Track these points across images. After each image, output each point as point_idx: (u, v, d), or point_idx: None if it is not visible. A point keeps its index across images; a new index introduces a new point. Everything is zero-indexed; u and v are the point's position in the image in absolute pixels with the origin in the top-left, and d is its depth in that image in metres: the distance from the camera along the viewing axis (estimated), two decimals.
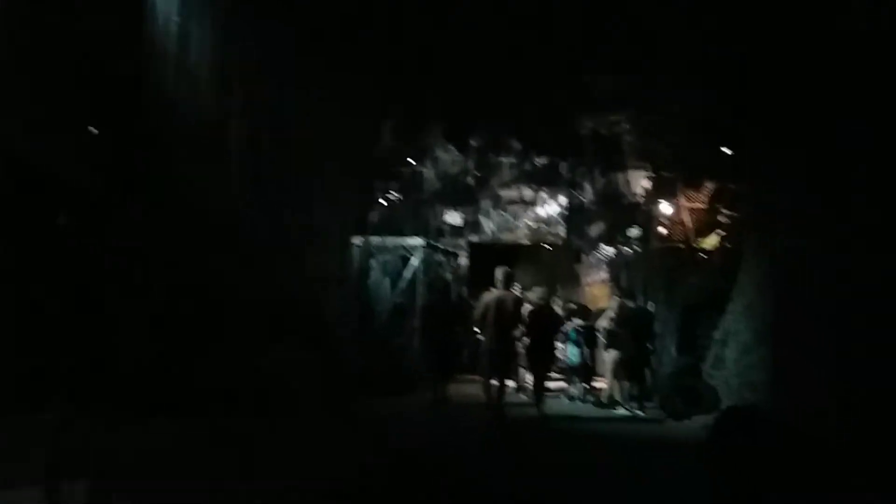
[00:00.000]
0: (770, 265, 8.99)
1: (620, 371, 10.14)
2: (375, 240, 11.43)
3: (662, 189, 14.23)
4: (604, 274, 13.55)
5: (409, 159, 14.89)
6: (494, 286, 8.77)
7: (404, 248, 11.33)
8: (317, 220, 11.53)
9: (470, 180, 14.89)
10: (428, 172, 14.86)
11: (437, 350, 9.90)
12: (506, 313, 8.56)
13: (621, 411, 9.82)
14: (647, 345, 10.07)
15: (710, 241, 13.01)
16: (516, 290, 9.95)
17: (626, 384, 9.86)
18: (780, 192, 10.60)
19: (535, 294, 10.02)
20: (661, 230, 14.04)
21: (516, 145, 14.70)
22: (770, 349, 8.62)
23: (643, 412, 9.80)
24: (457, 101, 14.46)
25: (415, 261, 11.27)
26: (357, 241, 11.50)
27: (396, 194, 15.16)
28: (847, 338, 7.04)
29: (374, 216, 14.78)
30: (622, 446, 8.05)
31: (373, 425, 8.33)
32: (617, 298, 10.42)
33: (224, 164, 9.96)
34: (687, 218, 14.08)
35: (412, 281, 11.28)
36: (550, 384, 10.71)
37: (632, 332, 9.85)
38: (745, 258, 9.70)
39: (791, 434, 5.65)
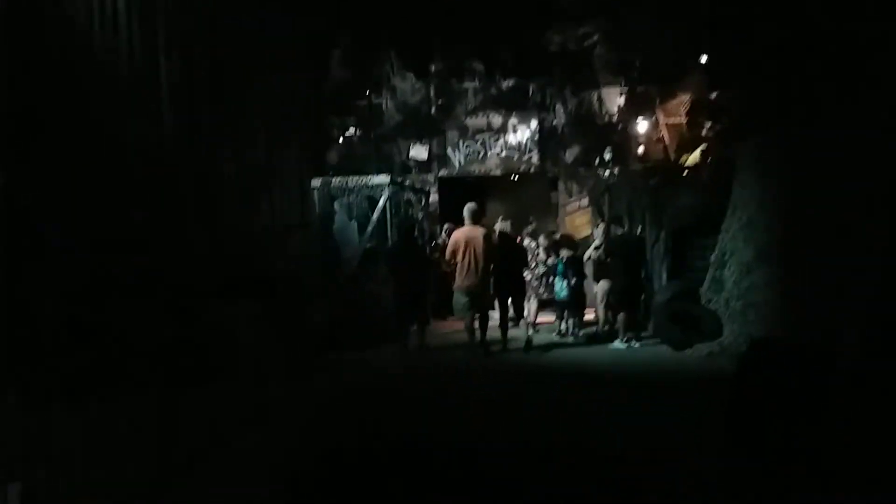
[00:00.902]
0: (768, 175, 8.27)
1: (612, 302, 9.47)
2: (337, 180, 10.40)
3: (638, 105, 13.43)
4: (584, 201, 12.76)
5: (364, 91, 13.75)
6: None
7: (369, 187, 10.33)
8: (268, 163, 10.46)
9: (433, 110, 13.79)
10: (387, 104, 13.72)
11: (405, 295, 9.09)
12: (476, 249, 8.45)
13: (617, 344, 9.17)
14: (640, 272, 9.37)
15: (694, 157, 12.30)
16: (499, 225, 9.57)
17: (621, 315, 9.18)
18: (769, 96, 9.88)
19: (500, 226, 9.51)
20: (640, 149, 13.32)
21: (480, 68, 13.59)
22: (774, 268, 7.99)
23: (639, 343, 9.19)
24: (411, 21, 13.27)
25: (382, 201, 10.29)
26: (317, 183, 10.45)
27: (355, 130, 14.07)
28: (861, 252, 6.40)
29: (332, 156, 13.70)
30: (622, 382, 7.41)
31: (333, 385, 7.55)
32: (602, 225, 9.64)
33: (155, 107, 8.86)
34: (666, 134, 13.35)
35: (381, 222, 10.34)
36: (540, 318, 10.17)
37: (622, 260, 9.11)
38: (739, 171, 8.96)
39: (825, 365, 5.01)
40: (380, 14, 13.29)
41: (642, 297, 9.43)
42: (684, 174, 10.47)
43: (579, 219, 13.08)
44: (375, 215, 10.32)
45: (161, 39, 9.13)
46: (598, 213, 11.81)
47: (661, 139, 13.43)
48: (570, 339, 9.91)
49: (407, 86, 13.68)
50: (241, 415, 6.08)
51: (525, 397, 6.83)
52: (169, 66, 9.15)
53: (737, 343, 8.13)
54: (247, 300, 8.22)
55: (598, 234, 9.57)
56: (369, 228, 10.34)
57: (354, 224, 10.45)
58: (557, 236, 10.93)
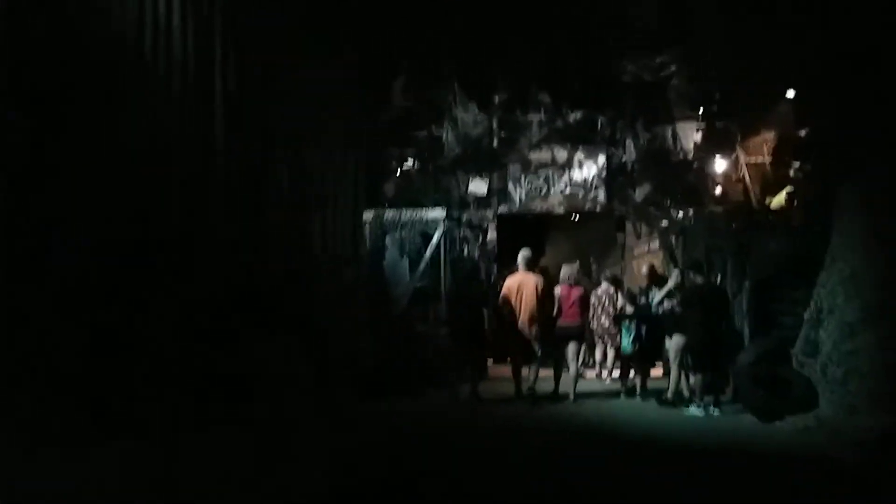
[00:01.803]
0: (876, 222, 7.16)
1: (688, 360, 8.41)
2: (390, 213, 9.75)
3: (717, 142, 12.40)
4: (654, 244, 11.75)
5: (424, 121, 13.15)
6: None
7: (424, 222, 9.64)
8: (320, 191, 9.91)
9: (495, 143, 13.06)
10: (447, 136, 13.06)
11: (463, 341, 8.41)
12: (526, 296, 8.25)
13: (692, 410, 8.09)
14: (721, 326, 8.31)
15: (779, 199, 11.17)
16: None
17: (698, 376, 8.11)
18: (872, 133, 8.76)
19: (565, 272, 8.86)
20: (718, 190, 12.25)
21: (546, 99, 12.80)
22: (883, 330, 6.85)
23: (718, 410, 8.08)
24: (475, 50, 12.65)
25: (436, 237, 9.58)
26: (368, 215, 9.82)
27: (413, 162, 13.46)
28: None
29: (388, 188, 13.08)
30: (703, 458, 6.36)
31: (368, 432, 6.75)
32: (678, 272, 8.64)
33: (207, 126, 8.46)
34: (747, 174, 12.25)
35: (434, 260, 9.61)
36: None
37: (701, 312, 8.08)
38: (839, 216, 7.85)
39: None
40: (444, 42, 12.77)
41: (723, 355, 8.33)
42: (770, 218, 9.36)
43: (648, 262, 12.03)
44: (429, 252, 9.62)
45: (217, 57, 8.80)
46: (669, 257, 10.77)
47: (741, 179, 12.34)
48: (637, 400, 8.86)
49: (469, 117, 12.99)
50: (239, 472, 5.32)
51: (596, 475, 5.82)
52: (224, 84, 8.78)
53: (836, 417, 6.99)
54: (286, 336, 7.58)
55: (674, 280, 8.56)
56: (421, 266, 9.63)
57: (406, 261, 9.76)
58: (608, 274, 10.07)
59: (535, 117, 12.88)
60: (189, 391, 6.35)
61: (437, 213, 9.72)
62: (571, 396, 8.51)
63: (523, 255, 8.53)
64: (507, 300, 8.41)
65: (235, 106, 8.91)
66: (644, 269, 10.68)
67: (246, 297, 7.65)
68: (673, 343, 8.42)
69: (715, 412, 8.05)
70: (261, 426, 6.34)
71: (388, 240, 9.72)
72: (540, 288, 8.35)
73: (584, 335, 8.72)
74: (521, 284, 8.38)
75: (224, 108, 8.71)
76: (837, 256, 7.70)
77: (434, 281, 9.63)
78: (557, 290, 8.65)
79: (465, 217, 11.61)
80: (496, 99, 12.93)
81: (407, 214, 9.61)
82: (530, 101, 12.92)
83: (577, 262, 9.30)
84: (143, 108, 7.31)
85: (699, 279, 8.38)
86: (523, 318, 8.29)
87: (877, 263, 7.02)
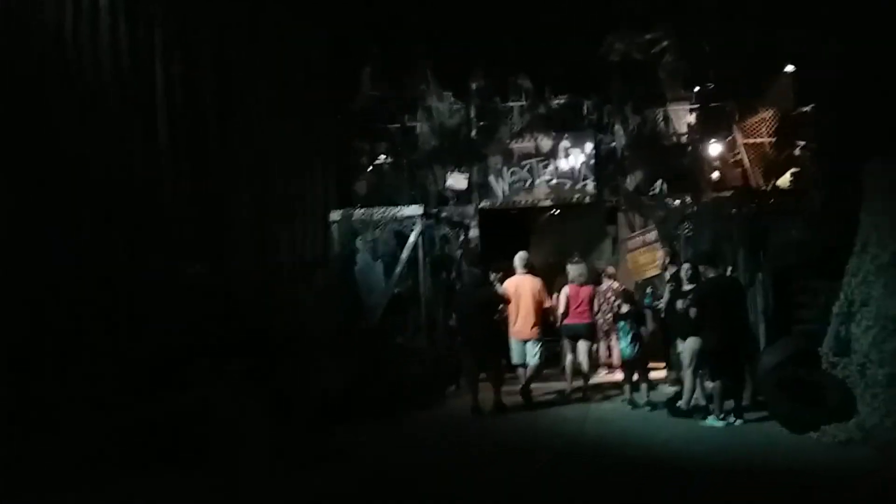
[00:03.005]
0: None
1: (705, 365, 7.34)
2: (361, 213, 8.58)
3: (713, 123, 11.40)
4: (650, 235, 10.70)
5: (397, 113, 12.01)
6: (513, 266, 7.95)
7: (398, 221, 8.49)
8: (281, 192, 8.74)
9: (473, 133, 11.95)
10: (422, 127, 11.93)
11: (475, 347, 7.78)
12: (523, 297, 7.81)
13: (711, 421, 7.02)
14: (741, 326, 7.25)
15: (783, 181, 10.19)
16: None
17: (716, 383, 7.04)
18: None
19: (573, 272, 8.43)
20: (715, 174, 11.26)
21: (526, 84, 11.72)
22: None
23: (741, 420, 7.02)
24: (448, 33, 11.55)
25: (413, 237, 8.44)
26: (336, 215, 8.64)
27: (386, 157, 12.31)
28: None
29: (360, 186, 11.92)
30: (733, 484, 5.29)
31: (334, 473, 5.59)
32: (688, 266, 7.56)
33: (148, 124, 7.33)
34: (745, 157, 11.26)
35: (412, 262, 8.47)
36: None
37: (718, 311, 7.00)
38: (871, 196, 6.82)
39: None
40: (415, 27, 11.64)
41: (744, 358, 7.28)
42: (781, 202, 8.34)
43: (644, 256, 10.95)
44: (405, 254, 8.47)
45: (156, 48, 7.63)
46: (671, 250, 9.71)
47: (739, 162, 11.36)
48: (646, 410, 7.79)
49: (444, 106, 11.89)
50: None
51: None
52: (165, 77, 7.60)
53: (884, 427, 5.94)
54: (238, 360, 6.39)
55: (685, 275, 7.48)
56: (398, 270, 8.47)
57: (380, 264, 8.60)
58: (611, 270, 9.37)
59: (515, 104, 11.82)
60: (120, 436, 5.16)
61: (413, 210, 8.59)
62: (581, 392, 8.21)
63: (521, 256, 8.06)
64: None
65: (182, 99, 7.77)
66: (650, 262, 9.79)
67: (195, 322, 6.49)
68: (687, 346, 7.34)
69: (737, 423, 7.00)
70: (205, 471, 5.16)
71: (359, 242, 8.56)
72: (538, 290, 7.94)
73: (595, 334, 8.35)
74: (518, 287, 7.88)
75: (166, 104, 7.55)
76: (870, 242, 6.67)
77: (413, 285, 8.49)
78: (566, 290, 8.28)
79: (444, 214, 10.47)
80: (473, 86, 11.85)
81: (379, 213, 8.46)
82: (510, 86, 11.85)
83: (584, 262, 8.84)
84: (82, 120, 6.21)
85: (711, 273, 7.31)
86: (522, 321, 7.84)
87: None
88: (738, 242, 7.96)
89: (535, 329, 7.92)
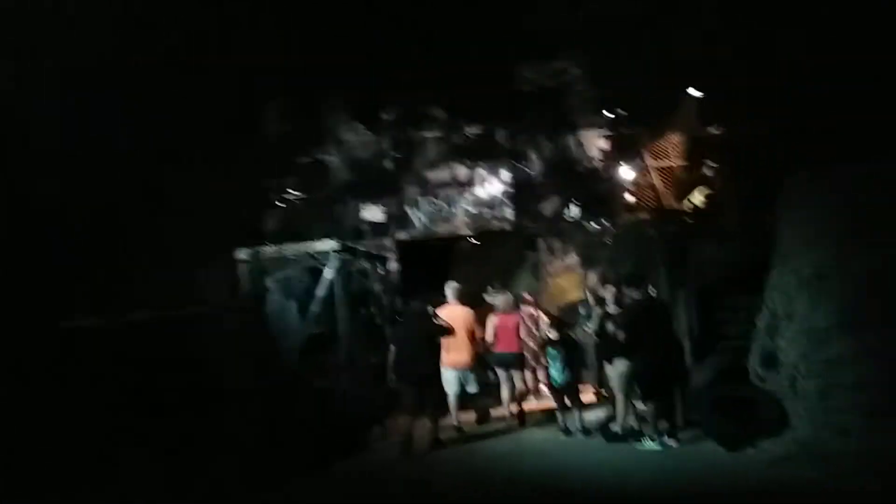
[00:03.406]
0: (842, 215, 6.20)
1: (635, 388, 7.13)
2: (270, 251, 7.98)
3: (624, 148, 11.52)
4: (571, 259, 10.59)
5: (306, 146, 11.49)
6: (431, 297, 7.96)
7: (311, 256, 7.93)
8: (182, 231, 8.03)
9: (388, 164, 11.59)
10: (333, 160, 11.47)
11: (412, 382, 7.36)
12: (460, 332, 7.72)
13: (648, 444, 6.78)
14: (670, 346, 7.10)
15: (695, 201, 10.34)
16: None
17: (648, 405, 6.82)
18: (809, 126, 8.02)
19: (500, 301, 8.47)
20: (629, 197, 11.34)
21: (440, 114, 11.52)
22: (868, 336, 5.81)
23: (676, 442, 6.82)
24: (358, 64, 11.21)
25: (329, 272, 7.90)
26: (244, 254, 8.00)
27: (296, 192, 11.73)
28: None
29: (270, 222, 11.30)
30: None
31: None
32: (611, 288, 7.38)
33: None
34: (657, 179, 11.42)
35: (328, 300, 7.91)
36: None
37: (646, 332, 6.82)
38: (789, 212, 6.86)
39: None
40: (322, 57, 11.24)
41: (674, 378, 7.12)
42: (695, 222, 8.36)
43: (565, 281, 10.85)
44: (321, 291, 7.89)
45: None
46: (591, 273, 9.60)
47: (650, 185, 11.50)
48: (580, 437, 7.49)
49: (356, 138, 11.50)
50: None
51: None
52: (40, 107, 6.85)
53: (821, 439, 5.85)
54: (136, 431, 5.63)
55: (608, 298, 7.29)
56: (313, 308, 7.88)
57: (294, 304, 7.98)
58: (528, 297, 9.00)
59: (429, 134, 11.56)
60: None
61: (327, 244, 8.06)
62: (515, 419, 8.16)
63: (452, 286, 8.00)
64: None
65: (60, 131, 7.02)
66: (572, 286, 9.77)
67: (82, 384, 5.71)
68: (615, 369, 7.11)
69: (673, 444, 6.79)
70: None
71: (270, 282, 7.94)
72: (470, 320, 7.88)
73: (523, 362, 8.17)
74: (451, 317, 7.77)
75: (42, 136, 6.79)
76: (791, 254, 6.69)
77: (330, 323, 7.92)
78: (493, 320, 8.20)
79: (360, 247, 9.98)
80: (385, 117, 11.53)
81: (291, 250, 7.88)
82: (423, 117, 11.60)
83: (507, 292, 8.87)
84: None
85: (636, 295, 7.15)
86: (456, 351, 7.75)
87: (849, 263, 5.99)
88: (658, 263, 7.85)
89: (470, 358, 7.88)
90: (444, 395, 7.78)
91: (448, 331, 7.54)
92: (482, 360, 8.36)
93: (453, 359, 7.76)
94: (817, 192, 6.60)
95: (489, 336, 8.12)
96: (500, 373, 8.34)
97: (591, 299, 9.58)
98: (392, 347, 7.47)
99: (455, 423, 7.94)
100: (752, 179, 7.97)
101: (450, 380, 7.77)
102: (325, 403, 7.76)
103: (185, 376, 6.89)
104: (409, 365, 7.27)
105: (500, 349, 8.16)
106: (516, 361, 8.19)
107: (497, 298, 8.55)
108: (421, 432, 7.35)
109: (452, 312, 7.83)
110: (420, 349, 7.26)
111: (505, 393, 8.33)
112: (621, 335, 6.95)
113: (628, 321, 6.92)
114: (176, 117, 9.02)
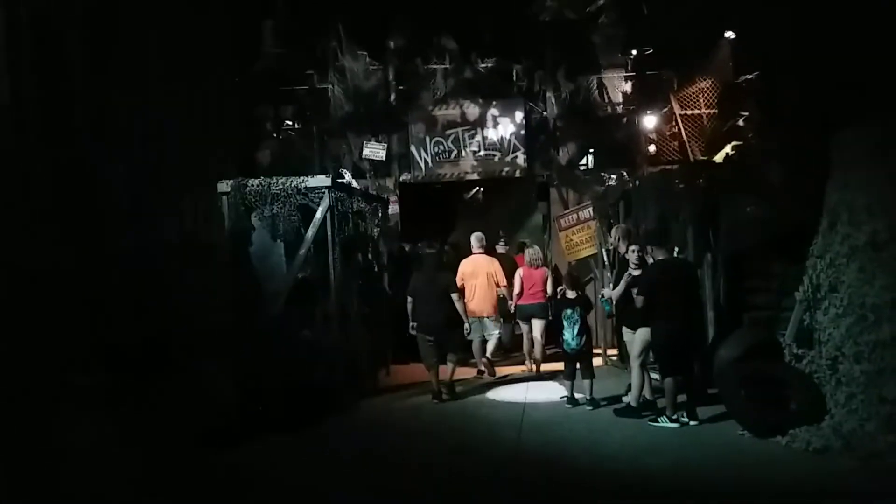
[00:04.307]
0: None
1: (655, 358, 6.36)
2: (256, 183, 7.09)
3: (650, 93, 10.50)
4: (584, 212, 9.70)
5: (305, 73, 10.47)
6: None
7: (302, 193, 7.06)
8: (161, 160, 7.11)
9: (392, 99, 10.59)
10: (334, 90, 10.46)
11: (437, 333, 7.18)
12: (482, 283, 8.00)
13: (664, 423, 6.06)
14: (697, 313, 6.29)
15: (721, 156, 9.38)
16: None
17: (668, 379, 6.05)
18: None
19: (528, 255, 8.38)
20: (652, 148, 10.39)
21: (451, 45, 10.44)
22: None
23: (696, 421, 6.08)
24: None
25: (321, 212, 7.03)
26: (226, 186, 7.11)
27: (293, 123, 10.79)
28: None
29: (263, 155, 10.39)
30: None
31: None
32: (636, 248, 6.51)
33: None
34: (682, 129, 10.43)
35: (319, 243, 7.07)
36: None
37: (671, 297, 6.00)
38: (843, 171, 5.93)
39: None
40: None
41: (699, 350, 6.34)
42: (734, 176, 7.42)
43: (577, 235, 9.97)
44: (311, 232, 7.04)
45: None
46: (607, 229, 8.72)
47: (675, 135, 10.52)
48: (588, 408, 6.77)
49: (359, 67, 10.46)
50: None
51: None
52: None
53: (864, 433, 5.09)
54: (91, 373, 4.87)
55: (632, 257, 6.43)
56: (302, 251, 7.04)
57: (280, 245, 7.14)
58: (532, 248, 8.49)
59: (439, 67, 10.52)
60: None
61: (320, 181, 7.16)
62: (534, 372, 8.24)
63: (476, 236, 8.24)
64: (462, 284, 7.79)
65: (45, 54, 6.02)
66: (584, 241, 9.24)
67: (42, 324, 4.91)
68: (637, 337, 6.31)
69: (691, 423, 6.06)
70: None
71: (255, 219, 7.08)
72: (495, 270, 8.08)
73: (548, 313, 8.05)
74: (475, 266, 8.03)
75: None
76: (840, 221, 5.80)
77: (321, 269, 7.11)
78: (520, 272, 8.20)
79: (357, 186, 9.09)
80: (391, 44, 10.46)
81: (279, 184, 7.01)
82: (432, 47, 10.53)
83: (536, 246, 8.78)
84: None
85: (660, 255, 6.29)
86: (479, 300, 7.96)
87: None
88: (685, 220, 6.96)
89: (493, 307, 8.05)
90: (464, 344, 7.68)
91: (460, 291, 7.42)
92: (507, 313, 8.37)
93: (476, 307, 7.87)
94: (878, 149, 5.66)
95: (516, 288, 8.10)
96: (524, 326, 8.27)
97: (605, 257, 8.83)
98: (409, 298, 7.22)
99: (480, 367, 8.12)
100: (799, 133, 7.00)
101: (473, 327, 7.72)
102: (310, 356, 7.01)
103: (149, 321, 6.11)
104: (426, 317, 7.09)
105: (523, 301, 8.11)
106: (540, 312, 8.11)
107: (526, 252, 8.48)
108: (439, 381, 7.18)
109: (476, 261, 8.01)
110: (437, 301, 7.09)
111: (527, 345, 8.34)
112: (639, 301, 6.12)
113: (650, 283, 6.07)
114: (158, 35, 8.01)
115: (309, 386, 6.76)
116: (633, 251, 6.49)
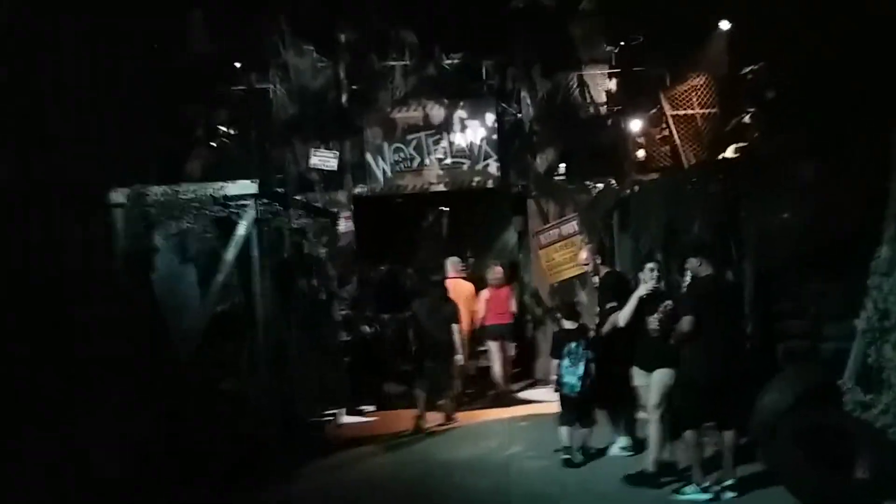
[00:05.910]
0: None
1: (681, 407, 4.83)
2: (160, 192, 5.43)
3: (637, 92, 9.19)
4: (567, 227, 8.25)
5: (241, 71, 8.90)
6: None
7: (220, 203, 5.43)
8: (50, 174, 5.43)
9: (344, 99, 9.08)
10: (276, 91, 8.92)
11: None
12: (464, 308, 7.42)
13: (691, 495, 4.52)
14: (743, 347, 4.82)
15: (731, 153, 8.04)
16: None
17: (694, 435, 4.52)
18: None
19: (491, 275, 8.06)
20: (641, 153, 9.07)
21: (410, 38, 8.99)
22: None
23: (735, 491, 4.56)
24: None
25: (243, 227, 5.42)
26: (120, 196, 5.45)
27: (228, 128, 9.17)
28: None
29: (193, 166, 8.73)
30: None
31: None
32: (652, 265, 5.01)
33: None
34: (674, 130, 9.12)
35: (243, 265, 5.45)
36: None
37: (718, 324, 4.48)
38: None
39: None
40: None
41: (736, 397, 4.83)
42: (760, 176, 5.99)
43: (560, 253, 8.52)
44: (232, 253, 5.41)
45: None
46: (600, 245, 7.23)
47: (667, 139, 9.19)
48: (583, 472, 5.20)
49: (305, 64, 8.94)
50: None
51: None
52: None
53: None
54: None
55: (648, 277, 4.92)
56: (220, 277, 5.40)
57: (193, 271, 5.49)
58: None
59: (397, 63, 9.04)
60: None
61: (244, 187, 5.54)
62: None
63: (452, 261, 7.96)
64: None
65: None
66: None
67: None
68: (655, 380, 4.79)
69: (727, 495, 4.53)
70: None
71: (158, 238, 5.41)
72: (472, 295, 7.82)
73: (515, 333, 8.04)
74: (454, 291, 7.39)
75: None
76: None
77: (245, 299, 5.46)
78: (485, 293, 7.93)
79: (302, 200, 7.51)
80: (342, 38, 8.96)
81: (190, 192, 5.35)
82: (389, 41, 9.05)
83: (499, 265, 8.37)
84: None
85: (707, 270, 4.72)
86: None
87: None
88: (710, 230, 5.49)
89: (468, 333, 7.60)
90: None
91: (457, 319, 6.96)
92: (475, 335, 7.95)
93: None
94: None
95: (481, 310, 7.84)
96: (493, 345, 7.91)
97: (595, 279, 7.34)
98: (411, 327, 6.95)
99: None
100: (799, 131, 5.65)
101: None
102: (234, 413, 5.36)
103: (22, 371, 4.45)
104: (432, 346, 6.72)
105: (490, 322, 7.85)
106: (508, 333, 7.95)
107: (488, 272, 8.13)
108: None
109: (455, 286, 7.53)
110: (442, 328, 6.75)
111: (496, 367, 7.92)
112: (688, 323, 4.51)
113: (697, 306, 4.53)
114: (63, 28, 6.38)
115: (229, 452, 5.12)
116: (651, 269, 5.00)
